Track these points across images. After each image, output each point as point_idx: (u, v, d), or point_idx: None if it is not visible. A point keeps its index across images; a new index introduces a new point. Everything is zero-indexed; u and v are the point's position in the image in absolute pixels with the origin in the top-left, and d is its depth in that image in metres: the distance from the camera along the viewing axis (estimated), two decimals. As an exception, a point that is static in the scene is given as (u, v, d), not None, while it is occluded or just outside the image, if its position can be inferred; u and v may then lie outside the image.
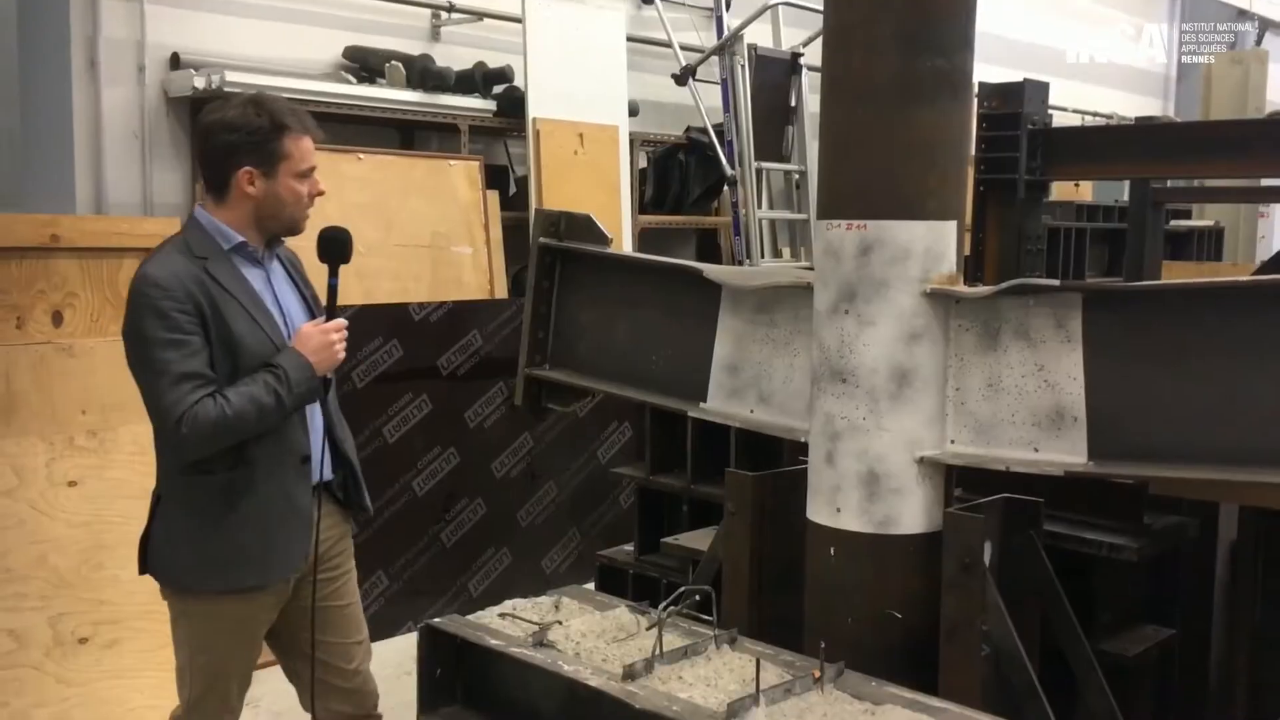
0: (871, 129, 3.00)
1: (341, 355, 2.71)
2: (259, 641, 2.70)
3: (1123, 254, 6.84)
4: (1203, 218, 10.01)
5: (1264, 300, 2.63)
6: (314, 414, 2.72)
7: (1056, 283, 2.86)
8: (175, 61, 5.38)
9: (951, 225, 3.03)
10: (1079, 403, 2.84)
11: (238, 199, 2.60)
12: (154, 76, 5.37)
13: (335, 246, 2.74)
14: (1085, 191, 10.23)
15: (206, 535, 2.58)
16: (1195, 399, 2.68)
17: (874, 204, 3.01)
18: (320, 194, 2.72)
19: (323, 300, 2.86)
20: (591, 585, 4.54)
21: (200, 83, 5.18)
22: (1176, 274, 7.22)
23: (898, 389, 2.99)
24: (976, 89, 5.34)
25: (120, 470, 4.09)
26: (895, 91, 2.97)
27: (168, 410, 2.42)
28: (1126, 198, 9.40)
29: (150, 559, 2.68)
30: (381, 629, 4.91)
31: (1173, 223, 9.28)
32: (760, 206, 7.26)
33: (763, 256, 7.23)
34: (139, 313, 2.47)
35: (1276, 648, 3.24)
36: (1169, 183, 6.65)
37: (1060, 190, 9.62)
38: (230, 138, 2.55)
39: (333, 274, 2.72)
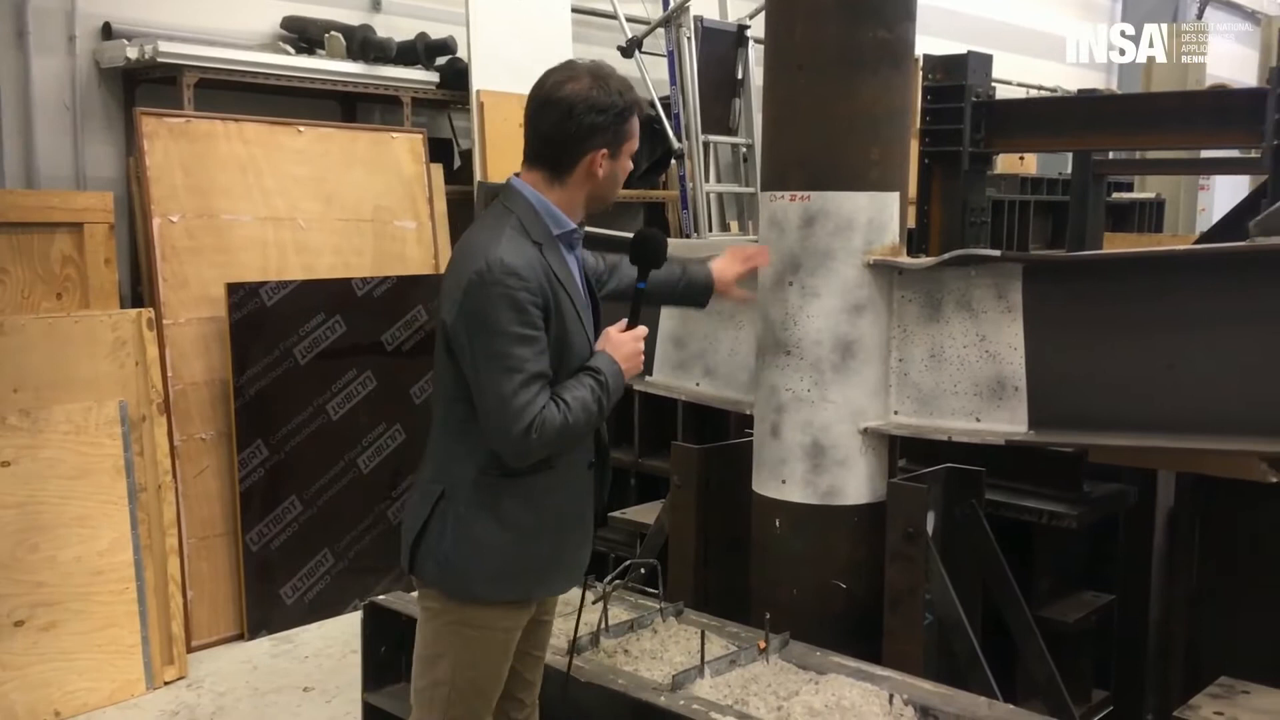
0: (814, 99, 3.00)
1: (641, 365, 2.51)
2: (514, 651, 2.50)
3: (1065, 226, 6.91)
4: (1144, 190, 10.14)
5: (1200, 270, 2.66)
6: None
7: (998, 253, 2.88)
8: (107, 31, 5.21)
9: (894, 196, 3.03)
10: (1019, 372, 2.86)
11: (580, 180, 2.35)
12: (85, 46, 5.21)
13: (649, 249, 2.51)
14: (1030, 164, 10.32)
15: (507, 541, 2.33)
16: (1133, 368, 2.71)
17: (817, 175, 3.01)
18: (628, 171, 2.50)
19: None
20: (539, 560, 4.52)
21: (133, 53, 5.03)
22: (1118, 245, 7.31)
23: (841, 360, 3.00)
24: (921, 61, 5.36)
25: (54, 450, 4.00)
26: (838, 61, 2.97)
27: (518, 413, 2.20)
28: (1069, 170, 9.48)
29: (427, 563, 2.38)
30: (327, 608, 4.88)
31: (1115, 195, 9.40)
32: (707, 180, 7.23)
33: (710, 230, 7.21)
34: (492, 302, 2.21)
35: (1213, 612, 3.31)
36: (1111, 155, 6.72)
37: (1005, 163, 9.70)
38: (597, 119, 2.30)
39: (642, 278, 2.50)
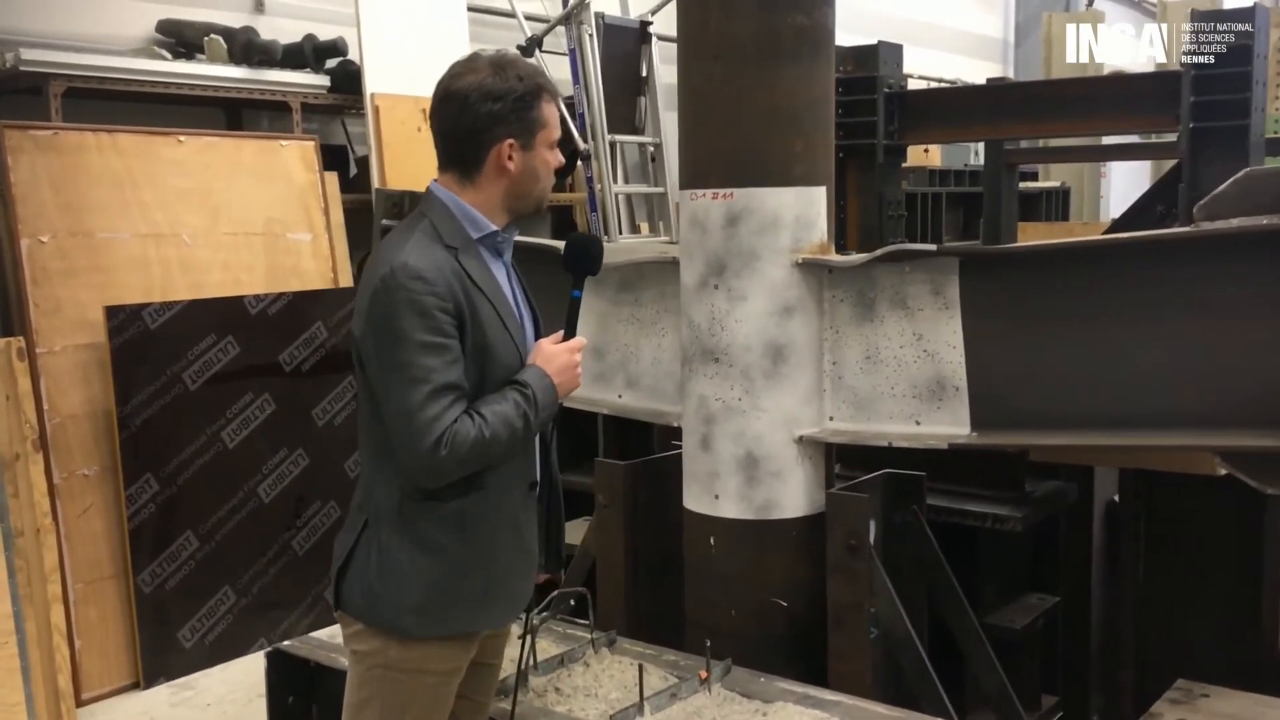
0: (732, 91, 2.81)
1: (580, 380, 2.31)
2: (453, 699, 2.27)
3: (977, 217, 6.88)
4: (1049, 179, 10.23)
5: (1143, 258, 2.54)
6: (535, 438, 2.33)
7: (933, 248, 2.74)
8: (-35, 39, 4.87)
9: (821, 191, 2.87)
10: (960, 372, 2.72)
11: (491, 177, 2.20)
12: (-58, 55, 4.85)
13: (584, 256, 2.34)
14: (934, 156, 10.34)
15: (433, 571, 2.15)
16: (1078, 363, 2.58)
17: (739, 171, 2.82)
18: (560, 166, 2.32)
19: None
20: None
21: (-6, 61, 4.69)
22: (1031, 235, 7.29)
23: (773, 366, 2.83)
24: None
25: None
26: (756, 50, 2.79)
27: (426, 427, 2.03)
28: (974, 161, 9.49)
29: (353, 596, 2.19)
30: (231, 649, 4.56)
31: (1022, 185, 9.45)
32: (615, 181, 7.05)
33: (621, 233, 7.02)
34: (395, 307, 2.06)
35: (1161, 609, 3.22)
36: (1021, 144, 6.70)
37: (912, 156, 9.68)
38: (494, 107, 2.15)
39: (577, 286, 2.32)
